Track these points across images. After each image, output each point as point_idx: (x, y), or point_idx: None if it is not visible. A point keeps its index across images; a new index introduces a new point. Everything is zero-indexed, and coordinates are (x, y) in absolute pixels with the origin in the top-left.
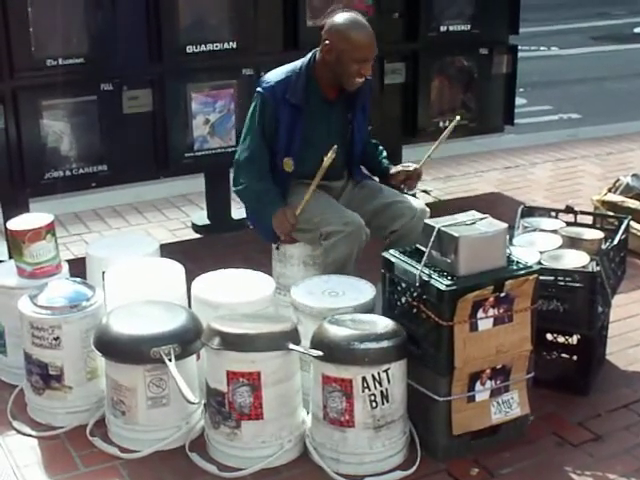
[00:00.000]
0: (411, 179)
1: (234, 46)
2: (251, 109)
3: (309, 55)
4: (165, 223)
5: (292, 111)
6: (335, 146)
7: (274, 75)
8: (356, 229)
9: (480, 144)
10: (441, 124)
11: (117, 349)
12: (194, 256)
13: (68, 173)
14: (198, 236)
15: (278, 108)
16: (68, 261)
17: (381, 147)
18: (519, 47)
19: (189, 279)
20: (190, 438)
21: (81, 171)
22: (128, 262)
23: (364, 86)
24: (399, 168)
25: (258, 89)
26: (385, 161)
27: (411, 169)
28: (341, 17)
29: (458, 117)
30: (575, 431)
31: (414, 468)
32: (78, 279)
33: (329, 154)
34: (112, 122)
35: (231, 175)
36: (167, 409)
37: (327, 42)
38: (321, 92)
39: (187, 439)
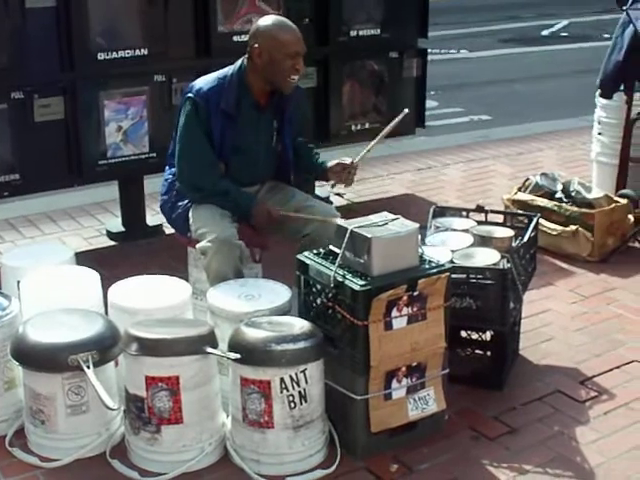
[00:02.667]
0: (348, 172)
1: (145, 52)
2: (183, 117)
3: (238, 62)
4: (80, 231)
5: (224, 118)
6: (406, 110)
7: (205, 82)
8: (222, 245)
9: (392, 147)
10: (353, 128)
11: (34, 358)
12: (110, 263)
13: None
14: (113, 243)
15: (211, 115)
16: None
17: (311, 145)
18: (429, 50)
19: (105, 286)
20: (111, 445)
21: None
22: (43, 271)
23: (293, 94)
24: (336, 161)
25: (189, 95)
26: (320, 159)
27: (347, 162)
28: (265, 20)
29: (406, 110)
30: (491, 425)
31: (334, 466)
32: None
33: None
34: (24, 131)
35: (160, 186)
36: (87, 416)
37: (256, 45)
38: (252, 99)
39: (108, 446)
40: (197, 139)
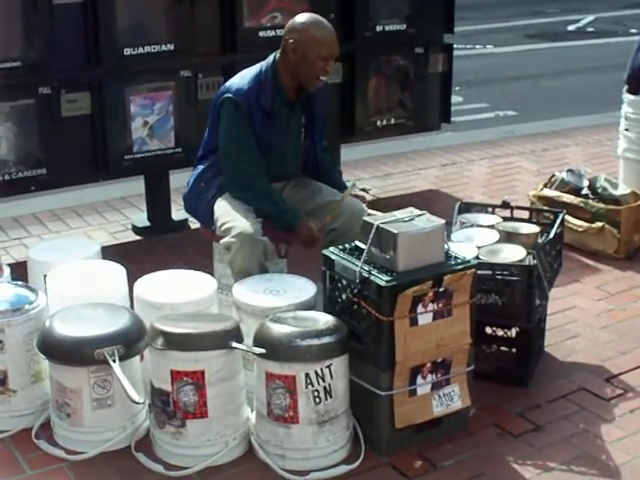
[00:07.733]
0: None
1: (172, 48)
2: (226, 120)
3: (270, 58)
4: (105, 226)
5: (263, 116)
6: (355, 183)
7: (242, 81)
8: (246, 241)
9: (417, 142)
10: (379, 123)
11: (61, 351)
12: (135, 258)
13: (7, 177)
14: (139, 238)
15: (251, 114)
16: (8, 265)
17: (333, 160)
18: (455, 46)
19: (131, 281)
20: (136, 438)
21: (20, 175)
22: (70, 265)
23: (322, 91)
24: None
25: (228, 95)
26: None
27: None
28: (303, 17)
29: (356, 184)
30: (515, 422)
31: (358, 462)
32: (20, 282)
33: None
34: (51, 125)
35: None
36: (112, 410)
37: (291, 41)
38: (284, 95)
39: (133, 439)
40: (245, 140)
